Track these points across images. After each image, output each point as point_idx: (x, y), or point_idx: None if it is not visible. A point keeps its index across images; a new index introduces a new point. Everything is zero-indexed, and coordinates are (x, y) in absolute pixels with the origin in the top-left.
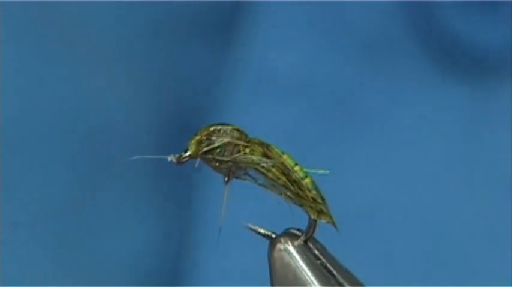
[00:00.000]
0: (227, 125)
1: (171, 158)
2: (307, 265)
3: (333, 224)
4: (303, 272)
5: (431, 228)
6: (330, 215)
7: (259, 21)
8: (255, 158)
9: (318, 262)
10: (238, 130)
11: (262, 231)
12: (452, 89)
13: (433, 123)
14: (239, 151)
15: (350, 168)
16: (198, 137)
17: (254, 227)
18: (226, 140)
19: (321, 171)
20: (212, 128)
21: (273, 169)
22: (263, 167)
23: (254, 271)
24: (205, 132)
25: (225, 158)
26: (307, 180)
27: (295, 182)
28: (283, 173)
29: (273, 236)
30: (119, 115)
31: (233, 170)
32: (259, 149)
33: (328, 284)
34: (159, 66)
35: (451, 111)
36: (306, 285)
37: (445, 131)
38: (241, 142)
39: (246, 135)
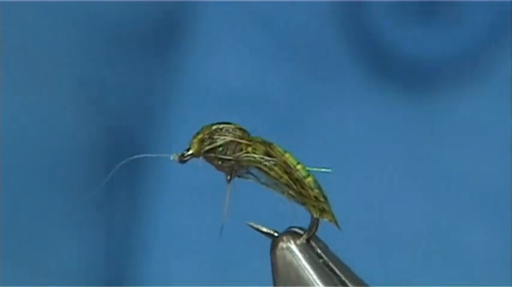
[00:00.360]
0: (229, 123)
1: (173, 157)
2: (310, 263)
3: (335, 223)
4: (306, 271)
5: (379, 232)
6: (333, 214)
7: (200, 33)
8: (257, 156)
9: (321, 260)
10: (240, 129)
11: (264, 229)
12: (389, 97)
13: (374, 131)
14: (241, 150)
15: None
16: (200, 136)
17: (256, 226)
18: (228, 138)
19: (323, 169)
20: (214, 127)
21: (275, 168)
22: (265, 165)
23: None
24: (207, 131)
25: (227, 157)
26: (309, 179)
27: (298, 181)
28: (286, 172)
29: (275, 234)
30: (61, 134)
31: (235, 169)
32: (261, 147)
33: (330, 282)
34: (100, 85)
35: (390, 119)
36: (308, 284)
37: (386, 138)
38: (244, 141)
39: (249, 134)
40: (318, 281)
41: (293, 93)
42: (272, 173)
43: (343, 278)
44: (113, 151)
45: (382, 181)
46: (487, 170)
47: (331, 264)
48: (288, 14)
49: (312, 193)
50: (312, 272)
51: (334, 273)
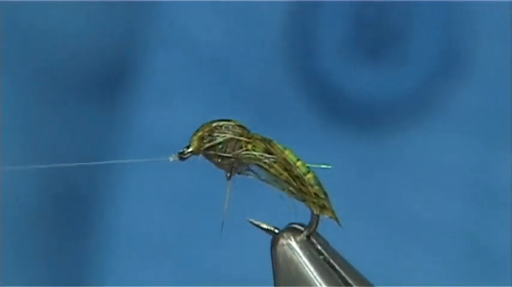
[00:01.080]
0: (229, 120)
1: (172, 157)
2: (310, 260)
3: (336, 219)
4: (306, 268)
5: None
6: (333, 210)
7: (148, 78)
8: (257, 154)
9: (321, 257)
10: (240, 126)
11: (264, 226)
12: (340, 137)
13: (325, 172)
14: (241, 147)
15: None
16: (200, 133)
17: (256, 222)
18: (228, 136)
19: (323, 166)
20: (214, 124)
21: (275, 165)
22: (265, 163)
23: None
24: (207, 128)
25: (227, 155)
26: (309, 175)
27: (298, 178)
28: (285, 169)
29: (276, 231)
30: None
31: (235, 166)
32: (261, 144)
33: (331, 279)
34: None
35: (341, 159)
36: (309, 280)
37: (338, 178)
38: (244, 138)
39: (248, 131)
40: (319, 278)
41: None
42: (272, 170)
43: (343, 274)
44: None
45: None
46: (439, 208)
47: (331, 261)
48: (236, 55)
49: (311, 190)
50: (312, 269)
51: (335, 270)
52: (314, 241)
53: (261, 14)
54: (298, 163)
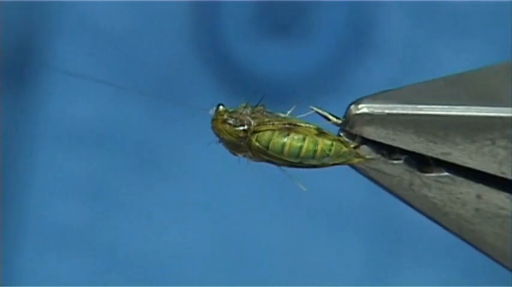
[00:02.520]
0: (232, 115)
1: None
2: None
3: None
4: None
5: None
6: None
7: (50, 68)
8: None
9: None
10: (241, 137)
11: (330, 116)
12: None
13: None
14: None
15: (157, 217)
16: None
17: (322, 112)
18: (232, 151)
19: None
20: (222, 119)
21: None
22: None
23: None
24: (215, 123)
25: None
26: (319, 152)
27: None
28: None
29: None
30: None
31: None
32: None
33: None
34: None
35: None
36: None
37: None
38: (245, 154)
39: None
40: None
41: (149, 118)
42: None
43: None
44: None
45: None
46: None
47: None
48: (140, 36)
49: (328, 164)
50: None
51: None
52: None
53: None
54: (303, 152)
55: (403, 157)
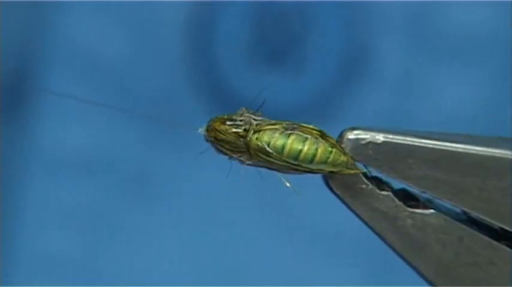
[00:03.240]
0: (231, 119)
1: (200, 130)
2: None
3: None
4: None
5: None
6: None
7: (42, 95)
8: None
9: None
10: (241, 135)
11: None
12: None
13: (230, 188)
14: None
15: (150, 244)
16: (205, 133)
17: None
18: (229, 153)
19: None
20: (218, 128)
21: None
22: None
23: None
24: (211, 131)
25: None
26: (318, 156)
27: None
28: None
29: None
30: None
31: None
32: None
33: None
34: None
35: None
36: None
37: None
38: (243, 157)
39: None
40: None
41: (141, 144)
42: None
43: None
44: None
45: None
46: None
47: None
48: (134, 63)
49: (326, 170)
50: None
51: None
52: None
53: (160, 23)
54: (302, 155)
55: (390, 189)
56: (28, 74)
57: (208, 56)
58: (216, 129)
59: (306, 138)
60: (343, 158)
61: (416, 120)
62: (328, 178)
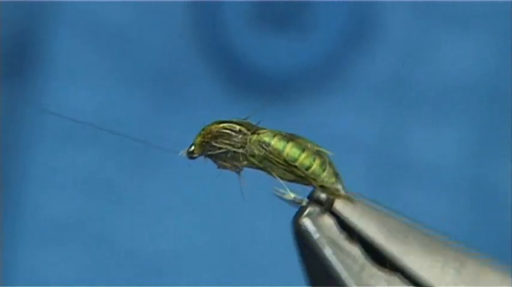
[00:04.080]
0: (231, 122)
1: (182, 152)
2: (338, 227)
3: (350, 199)
4: (337, 231)
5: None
6: (347, 195)
7: (52, 62)
8: (255, 163)
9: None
10: (241, 124)
11: (291, 197)
12: (246, 108)
13: None
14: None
15: (153, 208)
16: (200, 138)
17: (281, 192)
18: (227, 147)
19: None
20: (216, 129)
21: (280, 167)
22: (267, 171)
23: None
24: (208, 134)
25: (227, 164)
26: (313, 167)
27: (301, 173)
28: (288, 171)
29: (303, 202)
30: None
31: (239, 167)
32: (260, 150)
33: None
34: None
35: None
36: (340, 245)
37: None
38: (241, 150)
39: (249, 126)
40: (336, 261)
41: (150, 110)
42: (274, 173)
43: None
44: None
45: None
46: (348, 183)
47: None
48: (139, 29)
49: (317, 183)
50: (344, 233)
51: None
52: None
53: None
54: (299, 161)
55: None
56: (34, 41)
57: (214, 22)
58: (219, 123)
59: (305, 148)
60: (333, 179)
61: (417, 85)
62: (302, 214)
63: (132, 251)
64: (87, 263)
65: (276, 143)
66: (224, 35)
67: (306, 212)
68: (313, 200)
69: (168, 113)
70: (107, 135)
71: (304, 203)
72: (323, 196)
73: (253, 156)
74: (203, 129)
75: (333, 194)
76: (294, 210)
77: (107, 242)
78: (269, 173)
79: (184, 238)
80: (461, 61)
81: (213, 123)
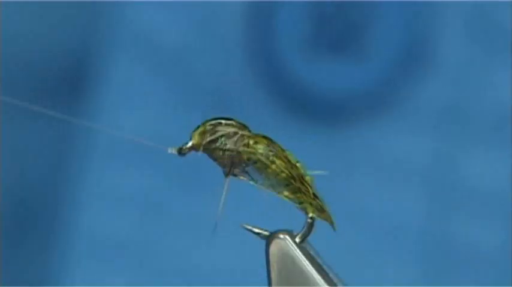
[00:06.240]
0: (231, 118)
1: (171, 150)
2: (307, 257)
3: (331, 223)
4: (304, 263)
5: None
6: (329, 214)
7: (107, 83)
8: (260, 147)
9: (317, 259)
10: (241, 123)
11: (257, 230)
12: (304, 132)
13: None
14: (243, 143)
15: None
16: (201, 129)
17: (249, 227)
18: (231, 129)
19: (317, 172)
20: (216, 121)
21: (277, 162)
22: (267, 158)
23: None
24: (208, 124)
25: (229, 147)
26: (308, 177)
27: (298, 178)
28: (286, 168)
29: (269, 233)
30: None
31: (235, 162)
32: (263, 141)
33: (326, 277)
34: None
35: (311, 155)
36: (306, 276)
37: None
38: (246, 132)
39: (249, 130)
40: (316, 275)
41: None
42: (273, 166)
43: (335, 280)
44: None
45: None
46: (399, 206)
47: (324, 266)
48: (196, 55)
49: (311, 190)
50: (310, 265)
51: (325, 271)
52: (307, 246)
53: (220, 13)
54: (299, 164)
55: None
56: (89, 59)
57: (269, 44)
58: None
59: (298, 161)
60: (319, 202)
61: (472, 113)
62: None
63: (182, 270)
64: (137, 280)
65: (276, 146)
66: (279, 58)
67: (275, 240)
68: (284, 230)
69: None
70: (160, 153)
71: (268, 235)
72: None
73: (255, 145)
74: (203, 123)
75: (320, 210)
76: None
77: (158, 261)
78: (266, 168)
79: (237, 256)
80: None
81: (213, 118)
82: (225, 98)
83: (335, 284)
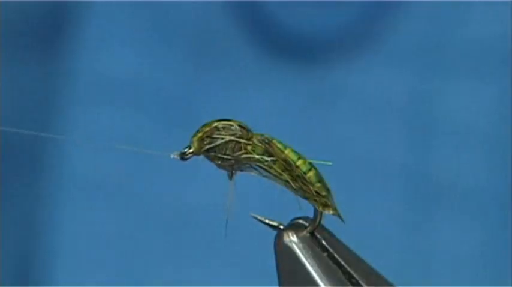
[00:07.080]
0: (229, 120)
1: (173, 155)
2: (313, 258)
3: (338, 216)
4: (309, 266)
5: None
6: (335, 207)
7: (88, 24)
8: (256, 156)
9: (325, 254)
10: (240, 126)
11: (268, 221)
12: (282, 72)
13: (273, 111)
14: (241, 149)
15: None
16: (199, 135)
17: (260, 218)
18: (227, 138)
19: (322, 162)
20: (214, 125)
21: (275, 166)
22: (265, 164)
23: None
24: (206, 129)
25: (226, 157)
26: (310, 173)
27: (298, 177)
28: (286, 169)
29: (281, 227)
30: None
31: (235, 167)
32: (260, 146)
33: (334, 277)
34: None
35: (283, 94)
36: (311, 279)
37: (287, 115)
38: (243, 140)
39: (248, 131)
40: (322, 277)
41: (186, 80)
42: (272, 170)
43: (349, 269)
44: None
45: None
46: (379, 145)
47: (336, 256)
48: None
49: (313, 188)
50: (315, 267)
51: (340, 265)
52: (318, 236)
53: None
54: (299, 162)
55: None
56: (69, 7)
57: None
58: (218, 121)
59: (300, 157)
60: (325, 193)
61: (447, 48)
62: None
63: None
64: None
65: (276, 142)
66: (261, 10)
67: (283, 239)
68: (293, 225)
69: (207, 75)
70: (146, 97)
71: (281, 227)
72: (301, 222)
73: (253, 150)
74: (201, 128)
75: (325, 205)
76: None
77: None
78: (266, 170)
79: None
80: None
81: (211, 121)
82: (204, 39)
83: (342, 284)
